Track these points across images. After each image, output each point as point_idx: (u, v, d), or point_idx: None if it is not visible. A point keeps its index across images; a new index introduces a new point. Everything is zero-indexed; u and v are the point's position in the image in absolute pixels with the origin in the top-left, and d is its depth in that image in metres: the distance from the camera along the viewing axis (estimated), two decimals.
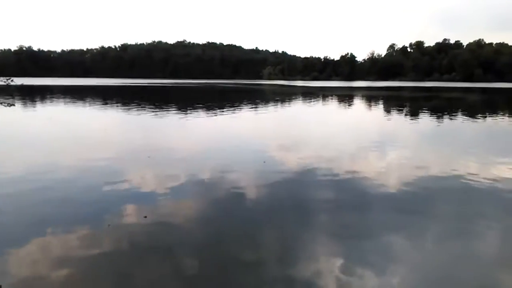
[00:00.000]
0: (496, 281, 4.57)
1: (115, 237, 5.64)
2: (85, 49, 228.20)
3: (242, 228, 6.03)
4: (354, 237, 5.66)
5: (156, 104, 31.64)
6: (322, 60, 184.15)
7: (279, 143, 13.39)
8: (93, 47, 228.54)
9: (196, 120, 20.44)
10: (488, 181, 8.51)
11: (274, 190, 7.91)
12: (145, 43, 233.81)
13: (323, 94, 50.74)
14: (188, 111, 25.02)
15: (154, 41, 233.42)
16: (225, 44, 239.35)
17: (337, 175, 8.98)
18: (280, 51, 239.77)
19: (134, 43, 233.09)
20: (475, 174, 9.07)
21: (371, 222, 6.24)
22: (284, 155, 11.23)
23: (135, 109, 26.14)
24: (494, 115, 24.96)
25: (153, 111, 24.44)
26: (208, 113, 23.65)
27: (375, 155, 11.40)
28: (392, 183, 8.38)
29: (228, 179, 8.63)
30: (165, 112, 23.93)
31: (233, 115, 22.91)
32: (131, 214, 6.55)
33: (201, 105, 30.62)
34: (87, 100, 35.00)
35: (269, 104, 32.30)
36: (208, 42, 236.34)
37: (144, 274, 4.65)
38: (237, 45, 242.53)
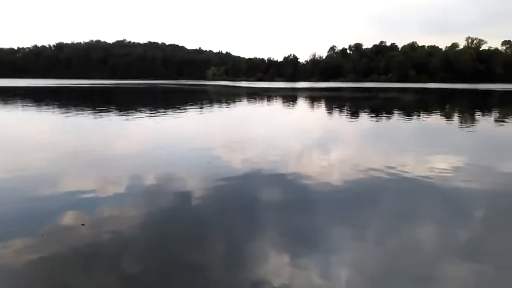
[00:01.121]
0: (434, 270, 4.71)
1: (50, 247, 5.19)
2: (16, 48, 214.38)
3: (186, 231, 5.82)
4: (300, 235, 5.64)
5: (95, 105, 30.26)
6: (266, 61, 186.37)
7: (224, 144, 13.21)
8: (25, 46, 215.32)
9: (138, 122, 19.72)
10: (424, 175, 8.89)
11: (218, 192, 7.73)
12: (82, 42, 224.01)
13: (267, 94, 51.22)
14: (130, 113, 24.11)
15: (92, 40, 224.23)
16: (167, 44, 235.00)
17: (283, 174, 8.97)
18: (224, 52, 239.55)
19: (70, 42, 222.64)
20: (412, 169, 9.45)
21: (316, 220, 6.26)
22: (229, 156, 11.06)
23: (73, 111, 24.79)
24: (426, 113, 26.43)
25: (91, 113, 23.31)
26: (150, 115, 22.93)
27: (319, 154, 11.56)
28: (336, 180, 8.51)
29: (171, 182, 8.32)
30: (105, 114, 22.88)
31: (177, 116, 22.40)
32: (67, 222, 6.08)
33: (143, 107, 29.69)
34: (18, 102, 32.69)
35: (214, 105, 32.04)
36: (150, 42, 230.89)
37: (80, 285, 4.28)
38: (180, 45, 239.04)
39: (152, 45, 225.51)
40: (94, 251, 5.11)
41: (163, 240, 5.50)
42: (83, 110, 25.64)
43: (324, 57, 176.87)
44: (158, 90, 64.40)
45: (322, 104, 35.72)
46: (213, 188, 7.92)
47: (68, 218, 6.23)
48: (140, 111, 25.69)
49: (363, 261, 4.97)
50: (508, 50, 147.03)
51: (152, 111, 25.65)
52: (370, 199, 7.41)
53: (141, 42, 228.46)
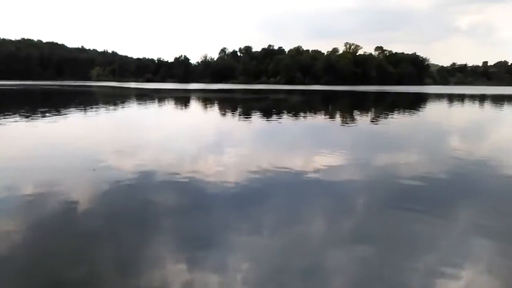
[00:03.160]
0: (324, 261, 4.97)
1: None
2: None
3: (70, 243, 5.29)
4: (197, 239, 5.50)
5: None
6: (156, 61, 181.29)
7: (113, 148, 12.40)
8: None
9: (13, 127, 17.49)
10: (312, 171, 9.38)
11: (105, 200, 7.23)
12: None
13: (158, 96, 49.82)
14: (2, 117, 21.33)
15: None
16: (44, 41, 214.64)
17: (177, 177, 8.73)
18: (110, 51, 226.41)
19: None
20: (302, 166, 9.92)
21: (213, 221, 6.18)
22: (118, 161, 10.40)
23: None
24: (312, 113, 28.21)
25: None
26: (28, 120, 20.52)
27: (214, 156, 11.51)
28: (231, 180, 8.53)
29: (52, 192, 7.52)
30: None
31: (58, 120, 20.47)
32: None
33: (18, 110, 26.54)
34: None
35: (100, 107, 30.03)
36: (23, 39, 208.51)
37: None
38: (60, 43, 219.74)
39: (26, 42, 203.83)
40: None
41: (41, 258, 4.91)
42: None
43: (215, 59, 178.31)
44: (35, 92, 58.42)
45: (215, 106, 35.90)
46: (98, 196, 7.35)
47: None
48: (16, 115, 22.85)
49: (258, 256, 5.02)
50: (380, 55, 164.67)
51: (31, 115, 23.06)
52: (263, 197, 7.55)
53: (13, 39, 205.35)
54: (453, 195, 7.91)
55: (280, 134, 17.23)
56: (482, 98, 55.94)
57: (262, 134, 17.09)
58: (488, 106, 39.94)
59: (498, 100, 51.68)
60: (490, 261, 4.99)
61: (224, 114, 26.85)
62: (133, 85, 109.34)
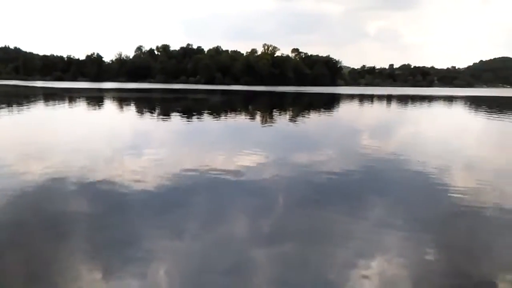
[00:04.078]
0: (245, 260, 5.01)
1: None
2: None
3: None
4: (115, 245, 5.26)
5: None
6: (66, 59, 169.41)
7: (17, 153, 11.31)
8: None
9: None
10: (233, 171, 9.40)
11: (9, 208, 6.59)
12: None
13: (69, 95, 46.66)
14: None
15: None
16: None
17: (91, 182, 8.24)
18: (11, 47, 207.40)
19: None
20: (223, 166, 9.89)
21: (131, 226, 5.93)
22: (24, 166, 9.50)
23: None
24: (233, 113, 28.37)
25: None
26: None
27: (131, 158, 11.05)
28: (150, 183, 8.25)
29: None
30: None
31: None
32: None
33: None
34: None
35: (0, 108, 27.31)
36: None
37: None
38: None
39: None
40: None
41: None
42: None
43: (131, 57, 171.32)
44: None
45: (132, 106, 34.52)
46: (1, 206, 6.65)
47: None
48: None
49: (179, 260, 4.94)
50: (297, 57, 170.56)
51: None
52: (184, 199, 7.43)
53: None
54: (365, 189, 8.44)
55: (200, 134, 17.05)
56: (389, 98, 60.51)
57: (182, 135, 16.78)
58: (394, 106, 43.39)
59: (403, 100, 56.28)
60: (401, 250, 5.38)
61: (141, 115, 25.92)
62: (40, 84, 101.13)
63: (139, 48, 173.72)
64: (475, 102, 52.38)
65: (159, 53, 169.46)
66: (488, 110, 37.07)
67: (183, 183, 8.42)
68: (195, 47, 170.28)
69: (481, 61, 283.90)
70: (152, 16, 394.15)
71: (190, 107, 34.55)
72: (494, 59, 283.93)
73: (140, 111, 29.21)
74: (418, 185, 8.81)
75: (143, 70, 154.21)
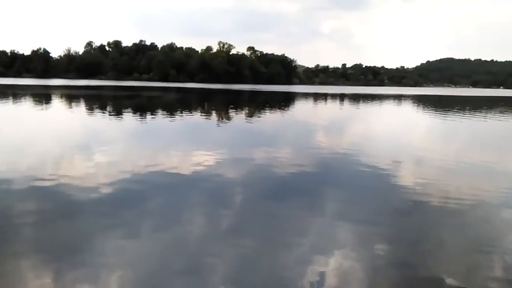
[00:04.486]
0: (202, 259, 4.86)
1: None
2: None
3: None
4: (65, 248, 5.00)
5: None
6: (9, 54, 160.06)
7: None
8: None
9: None
10: (190, 170, 9.25)
11: None
12: None
13: (13, 93, 44.09)
14: None
15: None
16: None
17: (38, 182, 7.80)
18: None
19: None
20: (179, 166, 9.72)
21: (83, 228, 5.66)
22: None
23: None
24: (189, 111, 27.93)
25: None
26: None
27: (81, 157, 10.61)
28: (102, 184, 7.92)
29: None
30: None
31: None
32: None
33: None
34: None
35: None
36: None
37: None
38: None
39: None
40: None
41: None
42: None
43: (80, 53, 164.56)
44: None
45: (82, 104, 33.10)
46: None
47: None
48: None
49: (133, 261, 4.76)
50: (252, 55, 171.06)
51: None
52: (138, 199, 7.20)
53: None
54: (321, 185, 8.59)
55: (155, 133, 16.63)
56: (342, 97, 62.08)
57: (135, 134, 16.27)
58: (347, 104, 44.55)
59: (355, 98, 57.91)
60: (354, 244, 5.48)
61: (92, 113, 24.88)
62: None
63: (89, 44, 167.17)
64: (422, 101, 54.81)
65: (110, 49, 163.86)
66: (434, 109, 38.95)
67: (135, 184, 8.15)
68: (148, 43, 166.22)
69: (428, 61, 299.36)
70: (102, 10, 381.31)
71: (144, 105, 33.71)
72: (440, 59, 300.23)
73: (90, 109, 28.05)
74: (371, 180, 9.05)
75: (94, 66, 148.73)
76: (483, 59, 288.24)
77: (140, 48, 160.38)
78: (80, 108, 28.29)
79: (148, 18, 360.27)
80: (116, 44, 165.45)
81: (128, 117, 22.26)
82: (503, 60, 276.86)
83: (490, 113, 33.77)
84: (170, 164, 9.87)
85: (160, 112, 26.11)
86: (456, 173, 9.93)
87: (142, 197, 7.29)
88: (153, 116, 23.05)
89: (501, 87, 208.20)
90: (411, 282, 4.53)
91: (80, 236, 5.43)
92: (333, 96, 65.81)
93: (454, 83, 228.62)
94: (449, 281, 4.45)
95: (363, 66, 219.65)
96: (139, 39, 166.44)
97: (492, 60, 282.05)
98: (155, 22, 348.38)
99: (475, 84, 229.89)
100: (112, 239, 5.40)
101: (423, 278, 4.61)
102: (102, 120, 20.70)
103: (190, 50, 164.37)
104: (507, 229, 6.18)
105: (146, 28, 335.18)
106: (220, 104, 38.83)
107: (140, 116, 23.06)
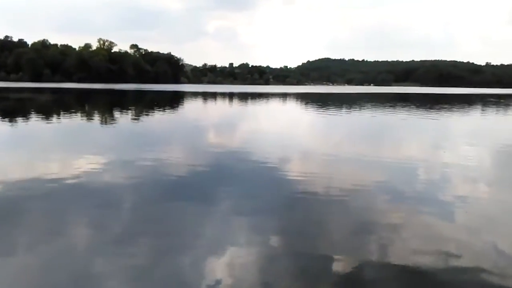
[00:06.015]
0: (90, 269, 4.39)
1: None
2: None
3: None
4: None
5: None
6: None
7: None
8: None
9: None
10: (73, 176, 8.37)
11: None
12: None
13: None
14: None
15: None
16: None
17: None
18: None
19: None
20: (61, 172, 8.75)
21: None
22: None
23: None
24: (67, 113, 25.61)
25: None
26: None
27: None
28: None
29: None
30: None
31: None
32: None
33: None
34: None
35: None
36: None
37: None
38: None
39: None
40: None
41: None
42: None
43: None
44: None
45: None
46: None
47: None
48: None
49: (11, 280, 4.09)
50: (136, 53, 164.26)
51: None
52: (12, 211, 6.23)
53: None
54: (214, 183, 8.44)
55: (28, 138, 14.85)
56: (231, 96, 63.04)
57: (3, 140, 14.34)
58: (236, 103, 45.37)
59: (243, 97, 59.31)
60: (249, 238, 5.48)
61: None
62: None
63: None
64: (305, 99, 58.32)
65: None
66: (316, 106, 41.76)
67: (7, 193, 7.20)
68: (15, 39, 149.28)
69: (308, 61, 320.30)
70: None
71: (13, 108, 30.10)
72: (319, 59, 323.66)
73: None
74: (262, 175, 9.23)
75: None
76: (355, 59, 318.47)
77: (6, 45, 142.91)
78: None
79: (14, 12, 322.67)
80: None
81: None
82: (372, 60, 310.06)
83: (364, 108, 37.29)
84: (48, 170, 8.91)
85: (33, 115, 23.49)
86: (337, 165, 10.63)
87: (16, 208, 6.45)
88: (25, 121, 20.59)
89: (372, 85, 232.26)
90: (305, 267, 4.62)
91: None
92: (222, 95, 66.49)
93: (331, 81, 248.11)
94: (337, 260, 4.68)
95: (250, 66, 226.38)
96: (4, 35, 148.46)
97: (363, 60, 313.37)
98: (22, 16, 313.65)
99: (349, 82, 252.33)
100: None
101: (315, 262, 4.80)
102: None
103: (67, 48, 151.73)
104: (383, 213, 6.75)
105: (12, 23, 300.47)
106: (104, 105, 36.52)
107: (8, 121, 20.49)
